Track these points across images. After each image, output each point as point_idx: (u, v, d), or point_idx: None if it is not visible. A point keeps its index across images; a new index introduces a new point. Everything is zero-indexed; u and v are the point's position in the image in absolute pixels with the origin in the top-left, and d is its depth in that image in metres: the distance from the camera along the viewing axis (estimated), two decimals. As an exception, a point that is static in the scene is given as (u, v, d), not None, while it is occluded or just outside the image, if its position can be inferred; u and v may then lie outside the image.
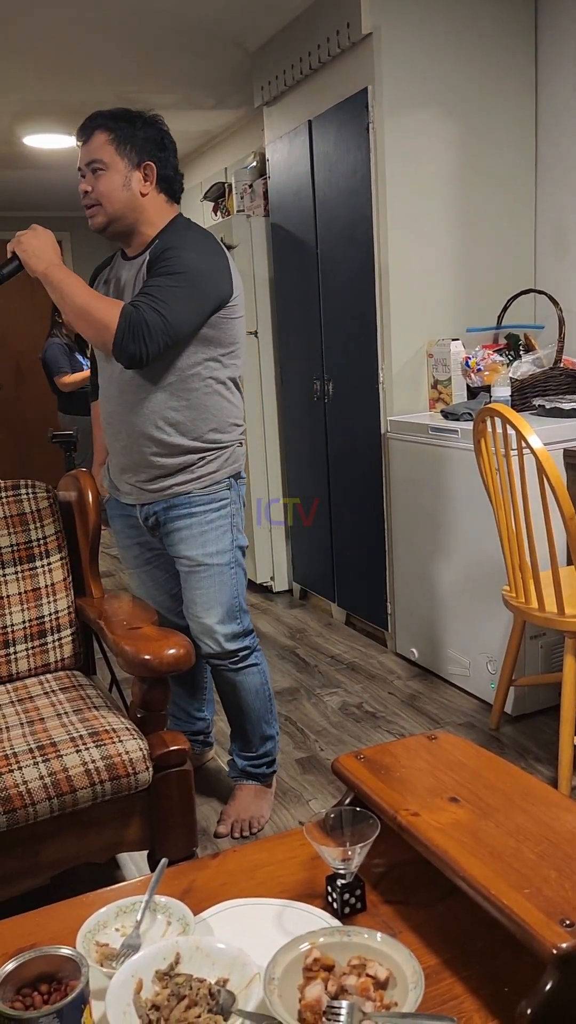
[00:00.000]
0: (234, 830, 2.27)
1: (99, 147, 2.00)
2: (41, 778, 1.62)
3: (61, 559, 2.18)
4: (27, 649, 2.10)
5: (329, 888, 1.13)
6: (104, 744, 1.71)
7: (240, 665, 2.25)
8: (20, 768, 1.64)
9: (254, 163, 4.21)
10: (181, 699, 2.52)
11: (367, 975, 0.95)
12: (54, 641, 2.14)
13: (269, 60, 3.67)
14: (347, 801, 1.29)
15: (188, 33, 3.60)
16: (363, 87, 3.07)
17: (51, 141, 5.09)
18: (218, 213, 4.88)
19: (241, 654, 2.23)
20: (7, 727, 1.81)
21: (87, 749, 1.69)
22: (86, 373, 4.74)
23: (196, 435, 2.09)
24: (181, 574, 2.20)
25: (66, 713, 1.85)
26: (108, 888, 1.22)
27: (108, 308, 1.91)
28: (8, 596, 2.09)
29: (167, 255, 1.97)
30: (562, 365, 3.02)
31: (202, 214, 5.30)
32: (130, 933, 1.07)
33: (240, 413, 2.18)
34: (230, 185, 4.66)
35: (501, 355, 3.11)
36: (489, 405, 2.28)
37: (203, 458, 2.12)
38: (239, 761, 2.37)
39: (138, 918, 1.09)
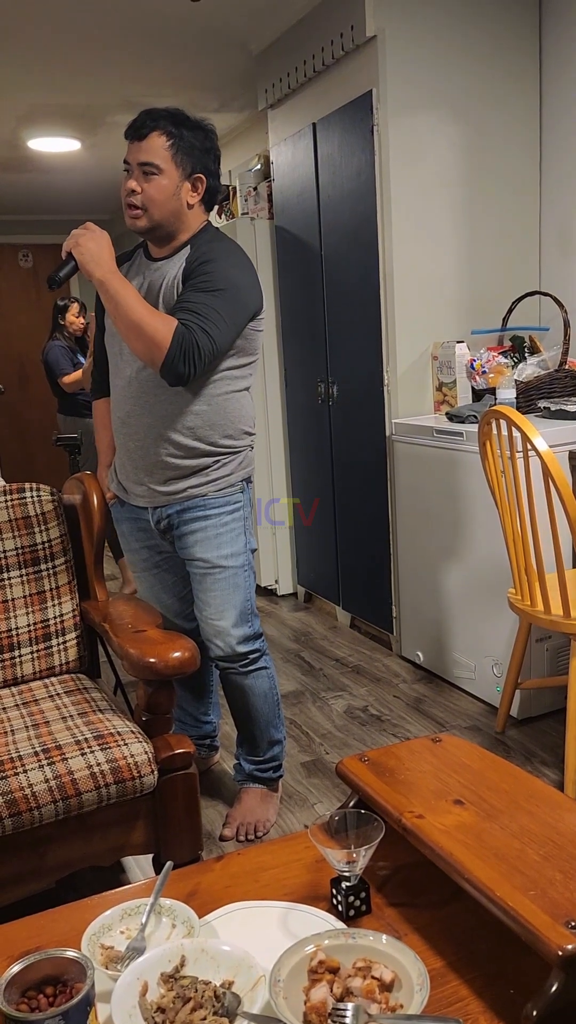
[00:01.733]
0: (239, 833, 2.26)
1: (156, 150, 1.96)
2: (46, 781, 1.62)
3: (66, 562, 2.18)
4: (32, 652, 2.11)
5: (334, 890, 1.13)
6: (109, 747, 1.71)
7: (250, 668, 2.24)
8: (25, 771, 1.64)
9: (258, 166, 4.22)
10: (188, 703, 2.52)
11: (372, 977, 0.95)
12: (59, 644, 2.14)
13: (273, 63, 3.68)
14: (352, 804, 1.29)
15: (192, 36, 3.61)
16: (367, 90, 3.07)
17: (55, 144, 5.11)
18: (222, 216, 4.88)
19: (251, 656, 2.23)
20: (12, 730, 1.81)
21: (92, 752, 1.69)
22: (80, 372, 4.71)
23: (213, 439, 2.10)
24: (194, 577, 2.19)
25: (71, 716, 1.85)
26: (113, 891, 1.22)
27: (162, 326, 1.88)
28: (13, 599, 2.09)
29: (207, 269, 1.97)
30: (567, 367, 3.01)
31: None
32: (135, 936, 1.07)
33: (253, 419, 2.20)
34: (234, 188, 4.67)
35: (506, 357, 3.11)
36: (494, 407, 2.28)
37: (218, 461, 2.13)
38: (246, 765, 2.36)
39: (143, 921, 1.09)
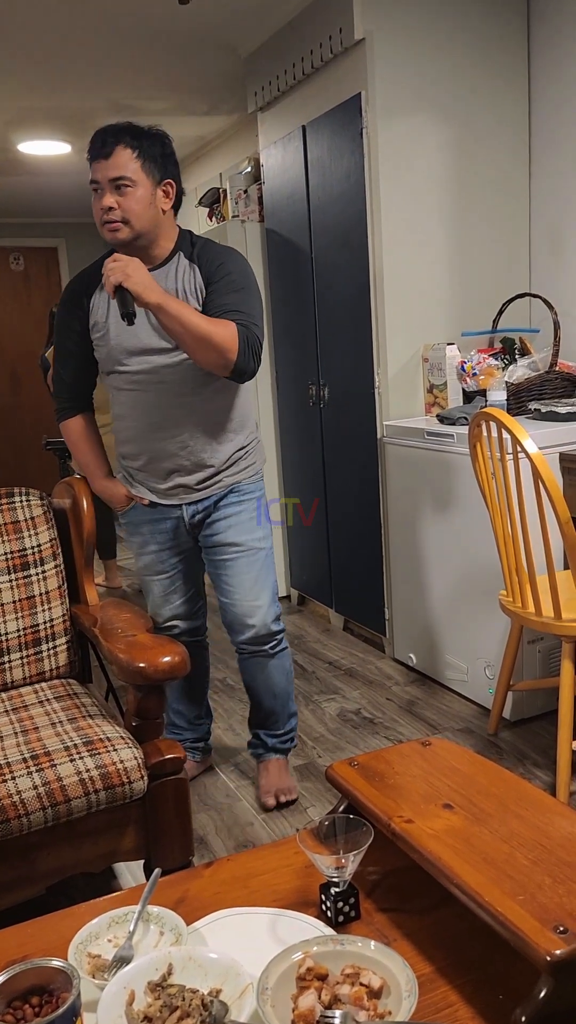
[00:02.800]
0: (279, 797, 2.41)
1: (125, 163, 2.00)
2: (35, 788, 1.62)
3: (56, 567, 2.17)
4: (22, 657, 2.10)
5: (323, 896, 1.12)
6: (99, 753, 1.70)
7: (277, 648, 2.36)
8: (14, 778, 1.63)
9: (248, 168, 4.22)
10: (184, 706, 2.52)
11: (361, 984, 0.94)
12: (49, 649, 2.13)
13: (262, 66, 3.68)
14: (341, 808, 1.28)
15: (181, 39, 3.60)
16: (356, 92, 3.07)
17: (45, 148, 5.10)
18: (213, 219, 4.88)
19: (279, 636, 2.36)
20: (1, 736, 1.80)
21: (81, 758, 1.68)
22: None
23: (241, 430, 2.25)
24: (223, 564, 2.28)
25: (60, 722, 1.84)
26: (101, 898, 1.21)
27: (226, 331, 1.98)
28: (2, 604, 2.09)
29: (226, 270, 2.09)
30: (557, 369, 3.02)
31: (197, 220, 5.30)
32: (122, 944, 1.07)
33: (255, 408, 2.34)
34: (225, 191, 4.67)
35: (496, 359, 3.11)
36: (485, 409, 2.28)
37: (245, 450, 2.28)
38: (268, 740, 2.48)
39: (130, 929, 1.08)
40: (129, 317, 1.92)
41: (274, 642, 2.34)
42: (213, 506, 2.25)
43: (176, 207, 2.14)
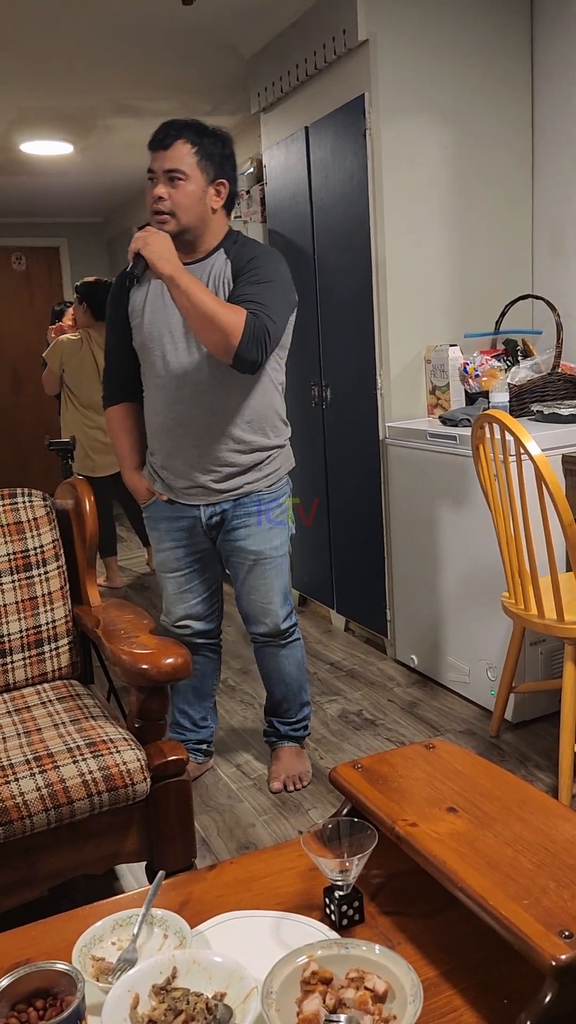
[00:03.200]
0: (288, 785, 2.48)
1: (181, 157, 2.06)
2: (38, 789, 1.62)
3: (58, 567, 2.17)
4: (24, 658, 2.10)
5: (327, 900, 1.12)
6: (101, 755, 1.70)
7: (288, 640, 2.44)
8: (17, 779, 1.63)
9: (251, 169, 4.22)
10: (190, 705, 2.52)
11: (365, 988, 0.94)
12: (51, 650, 2.13)
13: (265, 66, 3.68)
14: (345, 811, 1.28)
15: (184, 39, 3.60)
16: (360, 93, 3.07)
17: (47, 148, 5.10)
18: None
19: (291, 630, 2.43)
20: (4, 738, 1.80)
21: (84, 760, 1.68)
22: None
23: (265, 433, 2.24)
24: (241, 566, 2.32)
25: (63, 723, 1.84)
26: (104, 901, 1.21)
27: (233, 315, 2.00)
28: (5, 605, 2.08)
29: (257, 264, 2.10)
30: (560, 370, 3.02)
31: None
32: (126, 947, 1.07)
33: (286, 409, 2.34)
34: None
35: (499, 361, 3.11)
36: (487, 411, 2.28)
37: (270, 455, 2.27)
38: (281, 728, 2.55)
39: (134, 932, 1.08)
40: (130, 278, 2.06)
41: (285, 636, 2.42)
42: (232, 510, 2.27)
43: (228, 208, 2.18)
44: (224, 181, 2.13)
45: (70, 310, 5.34)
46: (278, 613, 2.37)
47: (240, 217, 4.17)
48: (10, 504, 2.15)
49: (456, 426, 2.90)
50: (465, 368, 3.11)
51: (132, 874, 2.09)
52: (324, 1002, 0.92)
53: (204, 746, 2.59)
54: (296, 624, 2.47)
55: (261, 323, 2.01)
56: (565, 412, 2.77)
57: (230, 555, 2.34)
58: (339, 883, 1.09)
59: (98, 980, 1.01)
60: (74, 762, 1.67)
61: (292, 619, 2.43)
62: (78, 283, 4.56)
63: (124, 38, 3.54)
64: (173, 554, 2.35)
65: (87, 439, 4.48)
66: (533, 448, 2.13)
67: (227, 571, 2.42)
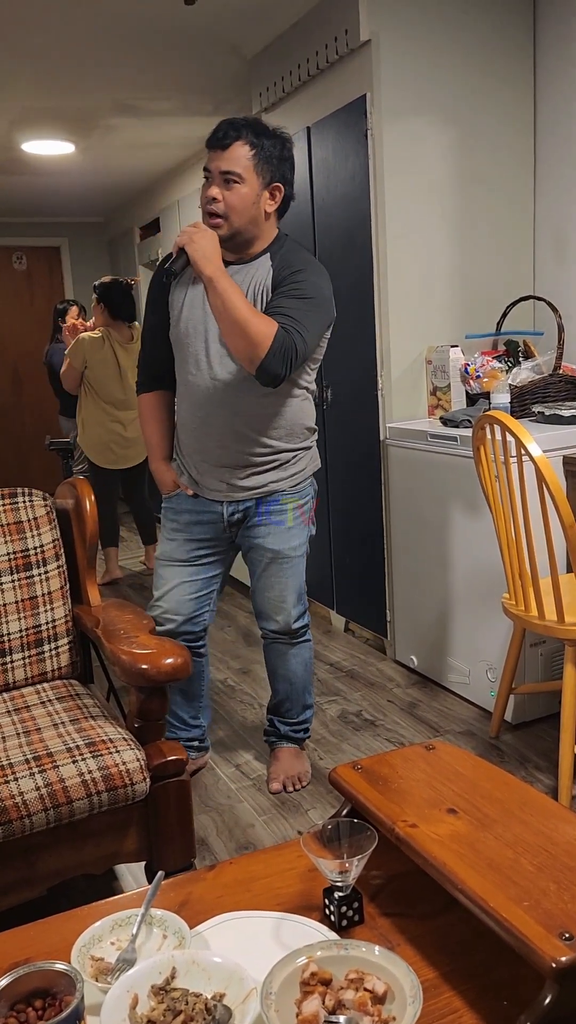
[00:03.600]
0: (287, 785, 2.48)
1: (238, 159, 2.03)
2: (37, 789, 1.61)
3: (58, 567, 2.17)
4: (24, 658, 2.09)
5: (326, 900, 1.12)
6: (101, 755, 1.70)
7: (298, 640, 2.44)
8: (16, 779, 1.63)
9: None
10: (179, 707, 2.52)
11: (365, 989, 0.94)
12: (51, 650, 2.13)
13: (267, 66, 3.68)
14: (344, 812, 1.28)
15: (186, 39, 3.60)
16: (362, 94, 3.07)
17: (49, 147, 5.10)
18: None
19: (301, 631, 2.44)
20: (3, 737, 1.80)
21: (84, 760, 1.68)
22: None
23: (291, 436, 2.25)
24: (260, 563, 2.34)
25: (63, 723, 1.84)
26: (103, 901, 1.21)
27: (264, 327, 1.99)
28: (5, 604, 2.08)
29: (299, 278, 2.09)
30: (561, 372, 3.01)
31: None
32: (126, 947, 1.06)
33: (315, 417, 2.35)
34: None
35: (500, 362, 3.11)
36: (488, 412, 2.27)
37: (295, 456, 2.28)
38: (281, 727, 2.55)
39: (134, 932, 1.08)
40: (167, 273, 2.04)
41: (296, 635, 2.43)
42: (254, 508, 2.28)
43: (282, 211, 2.17)
44: (279, 185, 2.10)
45: (73, 308, 5.35)
46: (291, 612, 2.38)
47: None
48: (10, 504, 2.15)
49: (457, 427, 2.90)
50: (466, 369, 3.11)
51: (131, 874, 2.09)
52: (323, 1003, 0.92)
53: (196, 742, 2.59)
54: (308, 625, 2.47)
55: (291, 340, 2.00)
56: (566, 413, 2.77)
57: (249, 551, 2.36)
58: (339, 884, 1.09)
59: (97, 980, 1.01)
60: (73, 762, 1.67)
61: (304, 619, 2.44)
62: (96, 283, 4.65)
63: (126, 38, 3.54)
64: (184, 546, 2.34)
65: (108, 433, 4.57)
66: (534, 449, 2.12)
67: (245, 564, 2.43)
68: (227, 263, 2.14)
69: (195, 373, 2.19)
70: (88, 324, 4.80)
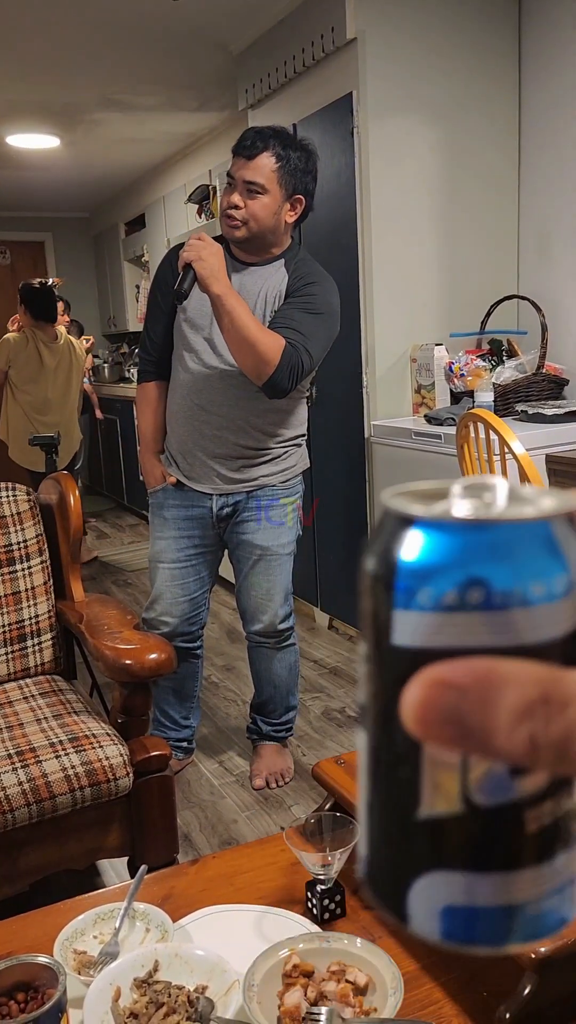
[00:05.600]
0: (269, 782, 2.49)
1: (263, 170, 2.03)
2: (20, 784, 1.61)
3: (42, 563, 2.16)
4: (6, 653, 2.09)
5: (309, 894, 1.12)
6: (84, 750, 1.70)
7: (284, 643, 2.44)
8: (-1, 773, 1.62)
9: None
10: (171, 706, 2.51)
11: (346, 981, 0.94)
12: (34, 645, 2.12)
13: (253, 63, 3.68)
14: (327, 806, 1.29)
15: (172, 35, 3.59)
16: (348, 91, 3.07)
17: (34, 141, 5.08)
18: (202, 215, 4.88)
19: (286, 633, 2.43)
20: (-14, 732, 1.80)
21: (67, 755, 1.68)
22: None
23: (285, 432, 2.27)
24: (246, 560, 2.33)
25: (46, 718, 1.84)
26: (86, 895, 1.21)
27: (272, 344, 2.00)
28: (-12, 600, 2.07)
29: (312, 291, 2.11)
30: (544, 371, 3.03)
31: (186, 216, 5.29)
32: (108, 941, 1.06)
33: (306, 417, 2.38)
34: (215, 187, 4.67)
35: (484, 360, 3.12)
36: (472, 410, 2.29)
37: (287, 452, 2.30)
38: (263, 727, 2.56)
39: (116, 925, 1.08)
40: (178, 296, 1.99)
41: (281, 637, 2.42)
42: (244, 502, 2.28)
43: (299, 222, 2.17)
44: (301, 197, 2.11)
45: (59, 304, 5.33)
46: (277, 612, 2.37)
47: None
48: (-6, 498, 2.14)
49: (441, 425, 2.92)
50: (451, 367, 3.12)
51: (114, 869, 2.09)
52: (305, 995, 0.92)
53: (185, 743, 2.59)
54: (293, 628, 2.45)
55: (298, 356, 2.02)
56: (549, 412, 2.79)
57: (236, 548, 2.35)
58: (321, 877, 1.10)
59: (80, 973, 1.01)
60: (56, 757, 1.67)
61: (290, 621, 2.43)
62: (20, 285, 4.59)
63: (112, 33, 3.53)
64: (175, 543, 2.34)
65: (29, 434, 4.52)
66: (517, 447, 2.14)
67: (231, 563, 2.42)
68: (243, 263, 2.16)
69: (197, 362, 2.19)
70: (67, 319, 4.83)
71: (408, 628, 0.24)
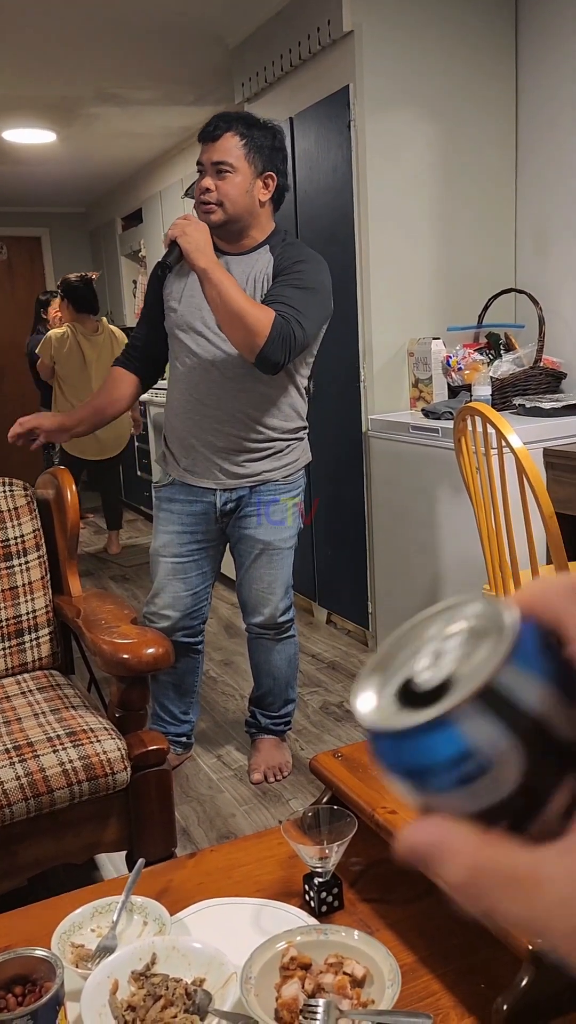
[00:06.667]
0: (268, 776, 2.50)
1: (229, 149, 2.07)
2: (18, 779, 1.61)
3: (39, 557, 2.16)
4: (4, 648, 2.09)
5: (306, 887, 1.12)
6: (82, 744, 1.70)
7: (283, 636, 2.44)
8: (-4, 768, 1.62)
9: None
10: (171, 701, 2.51)
11: (344, 973, 0.94)
12: (31, 640, 2.12)
13: (249, 56, 3.66)
14: (325, 799, 1.29)
15: (168, 29, 3.58)
16: (344, 85, 3.06)
17: (30, 136, 5.06)
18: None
19: (286, 625, 2.43)
20: (-16, 727, 1.80)
21: (64, 749, 1.68)
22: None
23: (286, 424, 2.26)
24: (248, 554, 2.33)
25: (43, 713, 1.84)
26: (84, 888, 1.21)
27: (262, 315, 1.99)
28: (-15, 595, 2.07)
29: (300, 268, 2.11)
30: (542, 364, 3.03)
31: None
32: (106, 934, 1.06)
33: (307, 411, 2.37)
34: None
35: (482, 354, 3.12)
36: (469, 404, 2.28)
37: (289, 445, 2.29)
38: (262, 720, 2.56)
39: (114, 919, 1.08)
40: (162, 267, 2.06)
41: (280, 629, 2.43)
42: (247, 497, 2.28)
43: (277, 201, 2.19)
44: (272, 174, 2.13)
45: (56, 300, 5.37)
46: (277, 605, 2.38)
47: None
48: (-9, 493, 2.14)
49: (439, 419, 2.91)
50: (448, 361, 3.12)
51: (112, 863, 2.09)
52: (303, 987, 0.92)
53: (184, 738, 2.59)
54: (293, 620, 2.46)
55: (289, 327, 2.01)
56: (547, 406, 2.78)
57: (238, 542, 2.35)
58: (319, 870, 1.10)
59: (77, 967, 1.01)
60: (54, 751, 1.67)
61: (290, 614, 2.44)
62: (60, 281, 4.81)
63: (109, 27, 3.52)
64: (178, 538, 2.34)
65: None
66: (515, 441, 2.14)
67: (232, 556, 2.42)
68: (226, 254, 2.16)
69: (193, 358, 2.19)
70: (54, 318, 4.98)
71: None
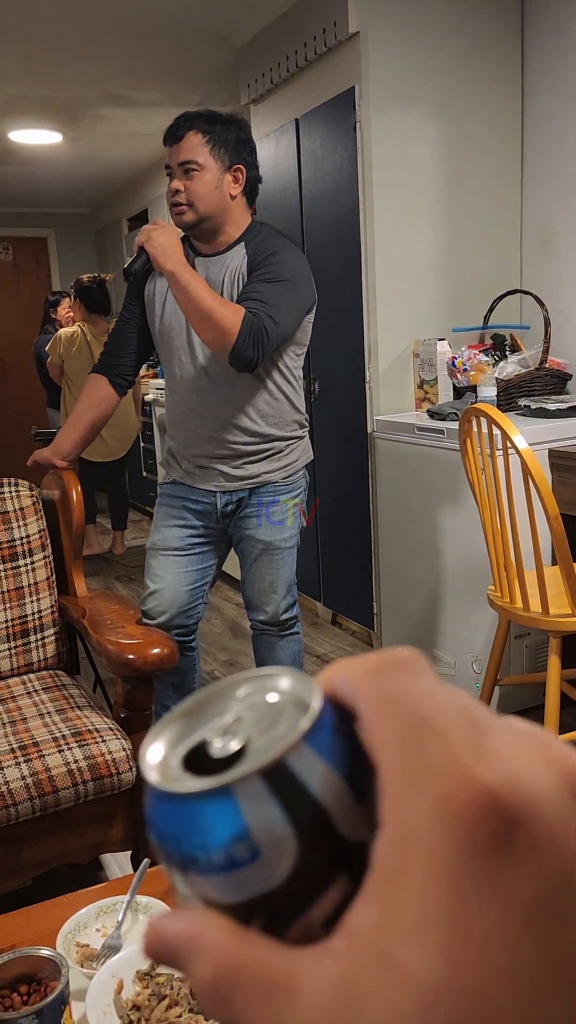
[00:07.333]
0: None
1: (193, 148, 2.06)
2: (23, 778, 1.61)
3: (44, 558, 2.16)
4: (9, 648, 2.09)
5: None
6: (87, 744, 1.70)
7: (287, 632, 2.44)
8: (1, 769, 1.62)
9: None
10: (171, 701, 2.51)
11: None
12: (37, 640, 2.13)
13: (255, 57, 3.67)
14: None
15: (173, 29, 3.59)
16: (350, 86, 3.06)
17: (36, 136, 5.07)
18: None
19: (290, 622, 2.43)
20: (-11, 726, 1.80)
21: (69, 749, 1.68)
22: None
23: (281, 425, 2.25)
24: (251, 553, 2.34)
25: (48, 713, 1.84)
26: (89, 888, 1.21)
27: (231, 314, 1.98)
28: (-9, 595, 2.08)
29: (272, 260, 2.09)
30: (547, 365, 3.03)
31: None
32: (111, 933, 1.07)
33: (304, 405, 2.35)
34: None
35: (487, 355, 3.12)
36: (475, 405, 2.28)
37: (288, 446, 2.28)
38: None
39: (119, 918, 1.08)
40: (126, 274, 2.06)
41: (284, 627, 2.43)
42: (248, 498, 2.28)
43: (249, 194, 2.17)
44: (240, 167, 2.11)
45: (65, 300, 5.41)
46: (280, 603, 2.40)
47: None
48: (-4, 493, 2.14)
49: (444, 420, 2.91)
50: (453, 362, 3.11)
51: (117, 863, 2.09)
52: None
53: None
54: (297, 618, 2.47)
55: (260, 323, 1.99)
56: (552, 407, 2.78)
57: (240, 542, 2.36)
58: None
59: (82, 966, 1.01)
60: (59, 751, 1.67)
61: (293, 611, 2.45)
62: (73, 282, 4.86)
63: (114, 27, 3.52)
64: (178, 532, 2.34)
65: None
66: (520, 442, 2.13)
67: (236, 554, 2.43)
68: (202, 255, 2.16)
69: (180, 368, 2.20)
70: (66, 318, 5.03)
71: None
